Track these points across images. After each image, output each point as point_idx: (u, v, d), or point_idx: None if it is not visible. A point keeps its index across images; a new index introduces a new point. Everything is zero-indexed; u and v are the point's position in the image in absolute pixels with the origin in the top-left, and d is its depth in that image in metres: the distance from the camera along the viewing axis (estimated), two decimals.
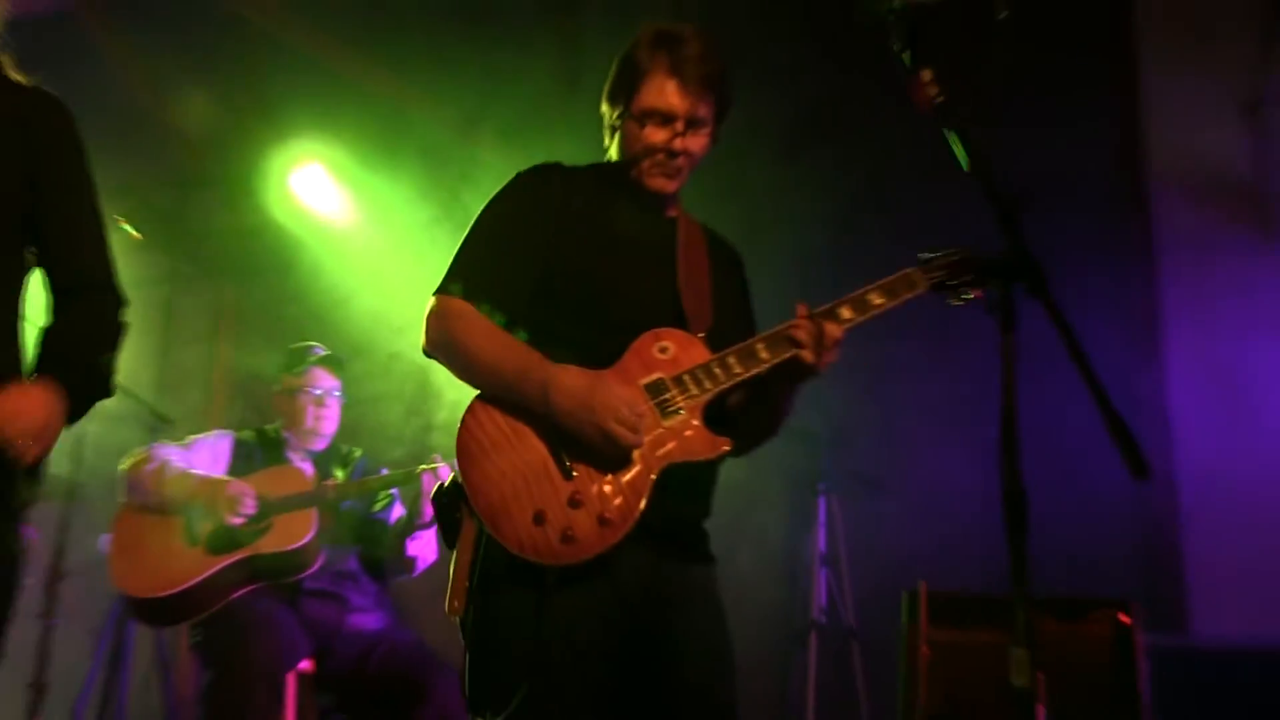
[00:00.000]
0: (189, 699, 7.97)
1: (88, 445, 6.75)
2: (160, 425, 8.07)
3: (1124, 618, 5.44)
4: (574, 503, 3.20)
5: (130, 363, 8.40)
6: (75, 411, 3.39)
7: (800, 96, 7.47)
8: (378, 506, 6.13)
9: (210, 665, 5.55)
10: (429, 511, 5.74)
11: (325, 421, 6.18)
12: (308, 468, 6.04)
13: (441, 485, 3.40)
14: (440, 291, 3.47)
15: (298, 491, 5.77)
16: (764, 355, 3.39)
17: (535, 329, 3.41)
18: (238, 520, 5.55)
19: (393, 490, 6.14)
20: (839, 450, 7.04)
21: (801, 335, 3.36)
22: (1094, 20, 7.52)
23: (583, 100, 7.95)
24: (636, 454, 3.27)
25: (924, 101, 2.99)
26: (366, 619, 5.86)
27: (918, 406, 7.04)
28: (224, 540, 5.58)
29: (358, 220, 8.25)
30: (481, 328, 3.39)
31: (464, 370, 3.41)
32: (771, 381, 3.49)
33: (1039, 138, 6.94)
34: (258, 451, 6.06)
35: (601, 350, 3.39)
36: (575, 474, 3.24)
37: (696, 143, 3.56)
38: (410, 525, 5.90)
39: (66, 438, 6.68)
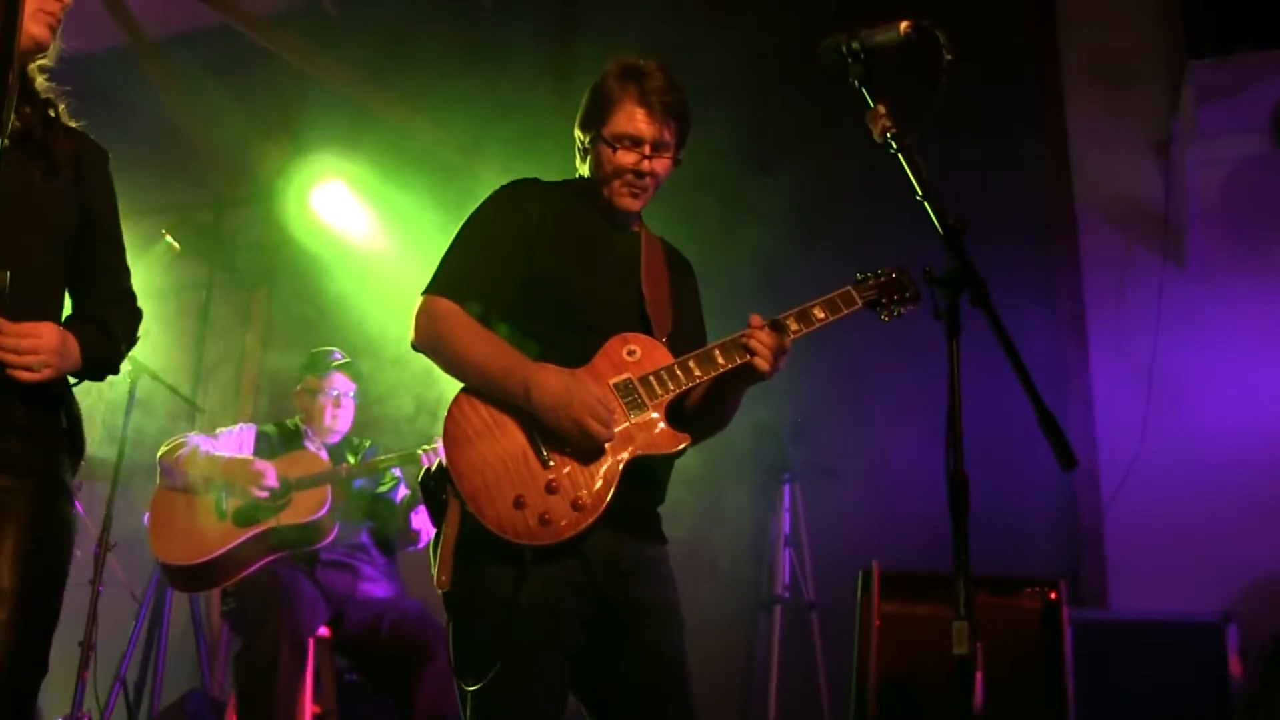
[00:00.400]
0: (220, 657, 7.97)
1: (131, 432, 6.73)
2: (194, 414, 8.08)
3: (1052, 594, 5.46)
4: (550, 489, 3.22)
5: (168, 359, 8.45)
6: (85, 364, 3.34)
7: (753, 122, 7.48)
8: (384, 487, 6.17)
9: (240, 630, 5.62)
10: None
11: (341, 419, 6.25)
12: (323, 455, 6.08)
13: (428, 469, 3.38)
14: (428, 291, 3.47)
15: (314, 472, 5.84)
16: (720, 360, 3.43)
17: (512, 328, 3.42)
18: (262, 494, 5.65)
19: (397, 472, 6.19)
20: (802, 443, 7.05)
21: (755, 344, 3.40)
22: (1026, 68, 7.55)
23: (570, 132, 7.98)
24: (607, 446, 3.29)
25: (879, 132, 2.99)
26: (376, 587, 5.91)
27: (873, 403, 7.04)
28: (248, 515, 5.68)
29: (373, 233, 8.21)
30: (467, 327, 3.39)
31: (450, 365, 3.41)
32: (723, 384, 3.53)
33: (980, 170, 6.98)
34: (278, 442, 6.13)
35: (573, 350, 3.41)
36: (552, 463, 3.25)
37: (661, 165, 3.58)
38: (414, 500, 5.99)
39: (111, 427, 6.70)
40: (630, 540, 3.41)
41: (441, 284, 3.47)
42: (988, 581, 5.50)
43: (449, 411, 3.34)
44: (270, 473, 5.70)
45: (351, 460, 6.14)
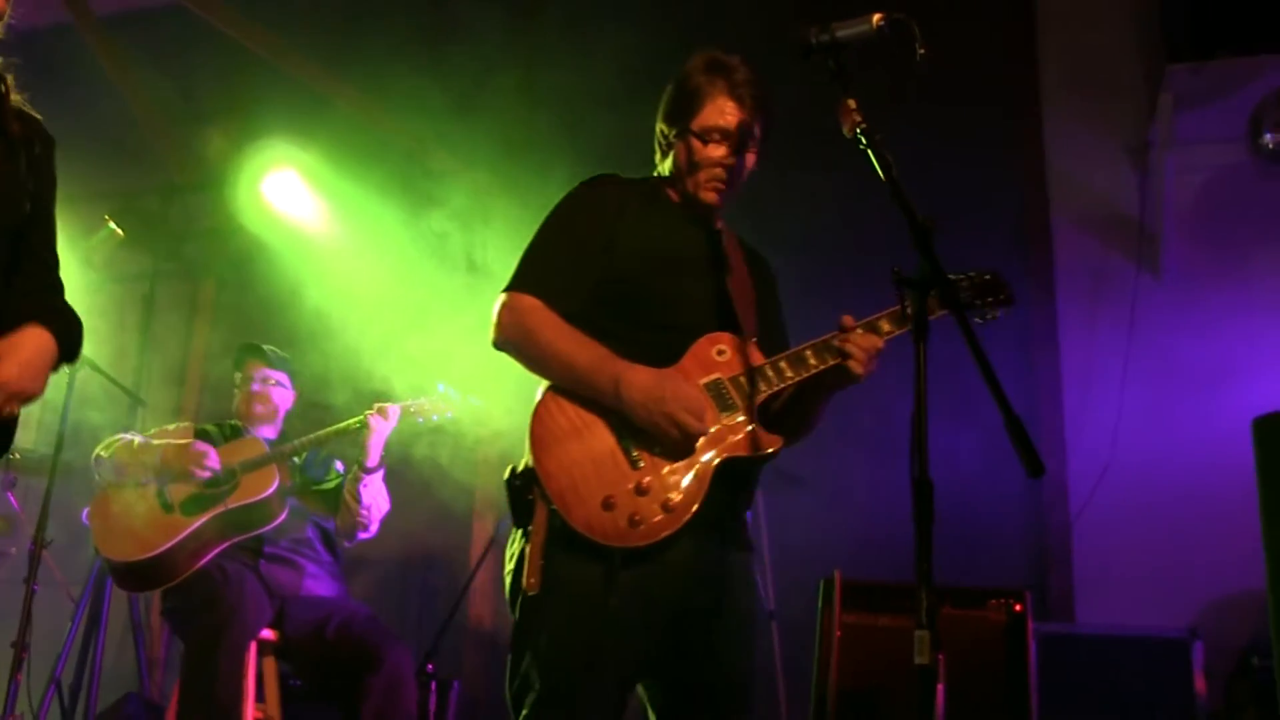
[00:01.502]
0: (160, 660, 7.93)
1: (69, 426, 6.69)
2: (136, 408, 8.01)
3: (1017, 606, 5.49)
4: (640, 490, 3.22)
5: (109, 350, 8.39)
6: (62, 358, 3.31)
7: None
8: (330, 484, 6.16)
9: (181, 631, 5.59)
10: (376, 454, 5.88)
11: (270, 407, 6.26)
12: (264, 444, 6.08)
13: (514, 469, 3.39)
14: (511, 288, 3.49)
15: (259, 454, 5.89)
16: (813, 362, 3.44)
17: (596, 329, 3.42)
18: (204, 474, 5.67)
19: (340, 468, 6.25)
20: None
21: (851, 347, 3.39)
22: (1002, 68, 7.58)
23: (540, 116, 7.94)
24: (699, 446, 3.30)
25: (849, 127, 3.01)
26: (321, 585, 5.91)
27: (837, 409, 7.02)
28: (196, 502, 5.68)
29: (326, 223, 8.17)
30: (553, 323, 3.40)
31: (536, 362, 3.43)
32: (812, 389, 3.54)
33: (953, 172, 6.99)
34: (218, 439, 6.10)
35: (658, 349, 3.42)
36: (642, 464, 3.26)
37: (749, 160, 3.62)
38: (360, 470, 5.91)
39: (50, 419, 6.65)
40: (717, 547, 3.42)
41: (525, 280, 3.49)
42: (951, 592, 5.52)
43: (535, 412, 3.36)
44: (211, 453, 5.72)
45: (295, 459, 6.14)
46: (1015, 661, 5.41)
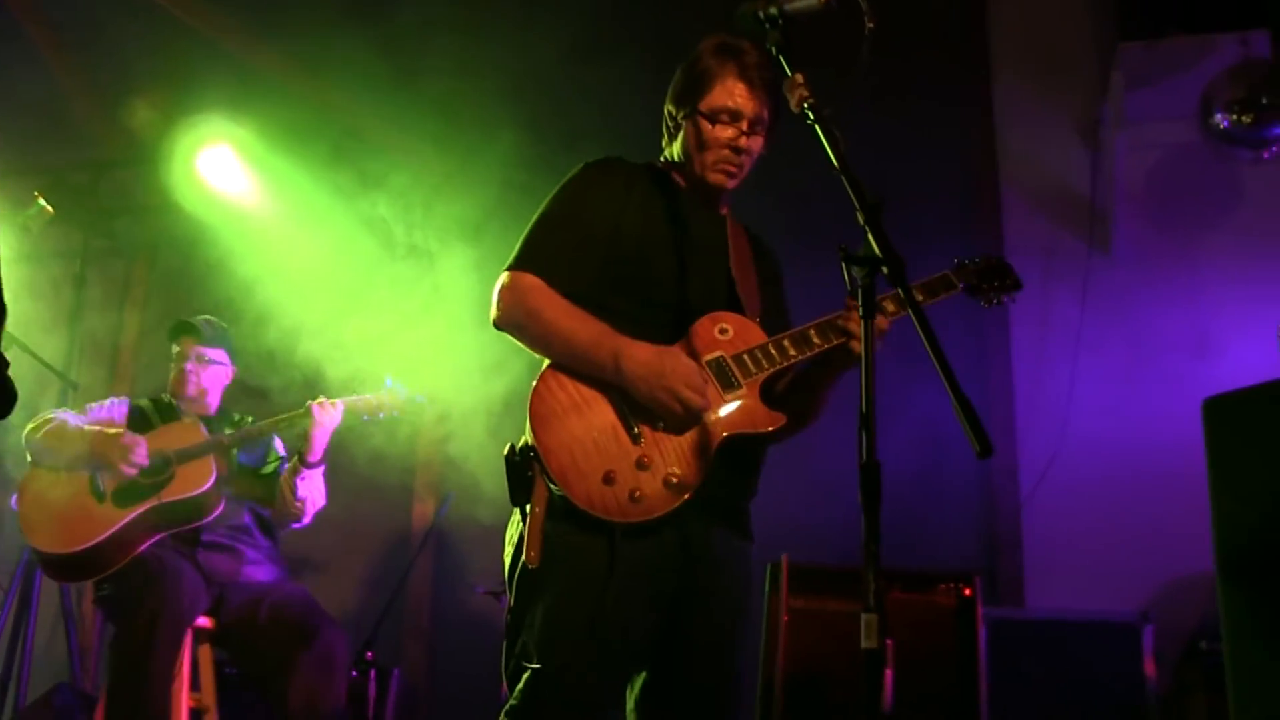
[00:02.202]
0: (92, 649, 7.86)
1: None
2: (67, 390, 7.93)
3: (967, 590, 5.52)
4: (642, 465, 3.26)
5: (39, 330, 8.30)
6: None
7: None
8: (269, 468, 6.09)
9: (115, 618, 5.50)
10: (319, 449, 5.81)
11: (204, 385, 6.10)
12: (200, 427, 5.95)
13: (513, 446, 3.38)
14: (513, 267, 3.50)
15: (194, 443, 5.77)
16: (816, 340, 3.47)
17: (599, 308, 3.44)
18: (131, 470, 5.55)
19: (281, 450, 6.18)
20: None
21: (853, 326, 3.41)
22: (953, 44, 7.59)
23: (484, 90, 7.90)
24: (701, 422, 3.32)
25: (796, 102, 3.00)
26: (259, 570, 5.84)
27: None
28: (130, 493, 5.57)
29: (262, 200, 8.11)
30: (554, 301, 3.42)
31: (537, 340, 3.45)
32: (817, 372, 3.59)
33: (902, 149, 7.01)
34: (154, 416, 6.01)
35: (662, 329, 3.45)
36: (643, 439, 3.30)
37: (757, 143, 3.64)
38: (300, 463, 5.85)
39: None
40: (717, 529, 3.46)
41: (526, 259, 3.50)
42: (900, 576, 5.55)
43: (535, 388, 3.37)
44: (141, 447, 5.59)
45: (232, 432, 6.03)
46: (964, 646, 5.44)
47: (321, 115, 8.31)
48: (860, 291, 2.72)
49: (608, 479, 3.22)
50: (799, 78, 3.05)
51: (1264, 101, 6.27)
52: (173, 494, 5.59)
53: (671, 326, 3.46)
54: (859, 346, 3.31)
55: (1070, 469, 6.78)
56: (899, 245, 2.73)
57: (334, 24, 8.02)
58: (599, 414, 3.32)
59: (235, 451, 5.97)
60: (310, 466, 5.82)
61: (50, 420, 5.79)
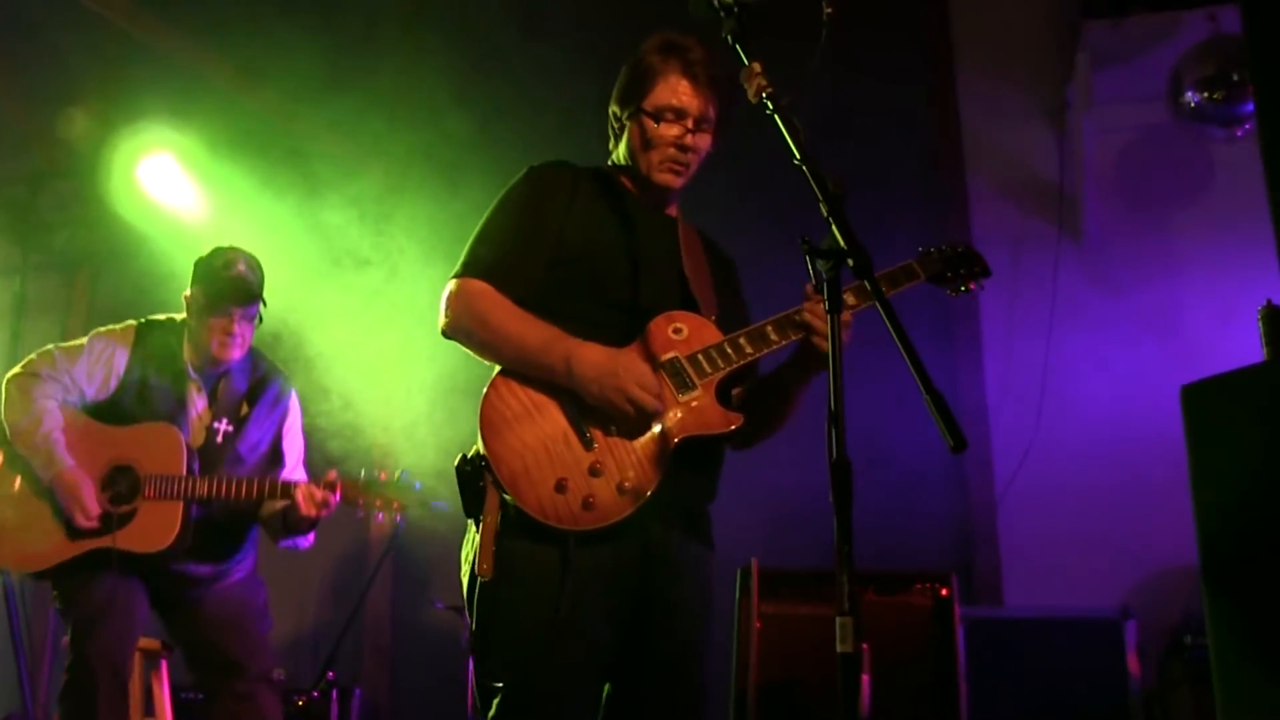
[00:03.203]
0: (43, 677, 7.81)
1: None
2: None
3: (943, 590, 5.51)
4: (594, 471, 3.22)
5: None
6: None
7: None
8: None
9: (67, 633, 5.28)
10: (310, 537, 5.42)
11: (233, 349, 5.39)
12: (200, 404, 5.43)
13: (464, 455, 3.35)
14: (460, 275, 3.48)
15: (170, 473, 5.21)
16: (774, 337, 3.43)
17: (550, 313, 3.41)
18: (81, 524, 5.11)
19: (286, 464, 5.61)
20: None
21: (811, 318, 3.38)
22: (912, 27, 7.60)
23: (420, 96, 7.86)
24: (655, 425, 3.29)
25: (754, 92, 2.98)
26: (229, 576, 5.49)
27: None
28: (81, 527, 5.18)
29: (205, 209, 8.06)
30: (503, 305, 3.40)
31: (486, 346, 3.43)
32: (785, 372, 3.56)
33: (863, 136, 7.01)
34: (154, 373, 5.38)
35: (615, 331, 3.41)
36: (595, 444, 3.26)
37: (704, 140, 3.60)
38: (285, 535, 5.43)
39: None
40: (676, 534, 3.43)
41: (473, 266, 3.48)
42: (875, 578, 5.55)
43: (485, 395, 3.34)
44: (91, 505, 5.12)
45: (245, 410, 5.49)
46: (942, 647, 5.44)
47: (264, 119, 8.27)
48: (825, 285, 2.70)
49: (560, 486, 3.20)
50: (756, 67, 3.02)
51: (1235, 78, 6.30)
52: (129, 541, 5.12)
53: (625, 328, 3.43)
54: (819, 340, 3.35)
55: (1045, 462, 6.80)
56: (862, 237, 2.72)
57: (273, 23, 7.99)
58: (550, 420, 3.29)
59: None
60: (297, 537, 5.42)
61: (35, 380, 5.33)
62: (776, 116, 2.94)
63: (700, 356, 3.40)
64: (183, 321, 5.51)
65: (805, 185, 2.81)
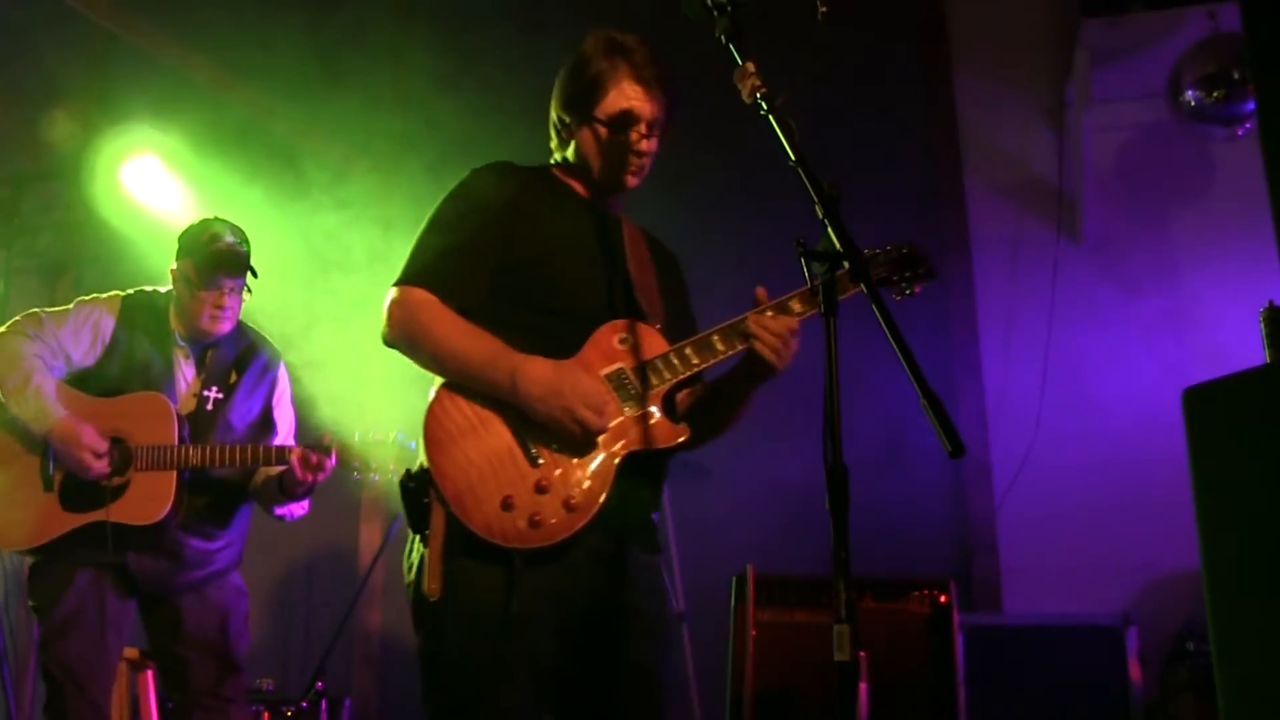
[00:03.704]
0: (28, 688, 7.79)
1: None
2: None
3: (942, 597, 5.51)
4: (540, 489, 3.23)
5: None
6: None
7: None
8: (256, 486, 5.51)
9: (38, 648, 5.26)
10: (305, 504, 5.42)
11: (223, 322, 5.38)
12: (189, 372, 5.38)
13: (409, 471, 3.37)
14: (401, 282, 3.46)
15: (162, 443, 5.15)
16: (720, 347, 3.42)
17: (493, 320, 3.41)
18: (87, 476, 5.03)
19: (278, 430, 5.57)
20: None
21: (754, 326, 3.38)
22: (909, 25, 7.60)
23: (413, 101, 7.86)
24: (600, 441, 3.30)
25: (748, 92, 2.98)
26: (214, 562, 5.46)
27: None
28: (77, 496, 5.11)
29: (191, 212, 8.02)
30: (446, 317, 3.39)
31: (429, 358, 3.41)
32: (732, 381, 3.55)
33: (859, 136, 7.00)
34: (144, 342, 5.34)
35: (558, 337, 3.40)
36: (541, 461, 3.26)
37: (656, 143, 3.63)
38: (281, 498, 5.35)
39: None
40: (623, 546, 3.42)
41: (415, 274, 3.47)
42: (872, 585, 5.55)
43: (429, 409, 3.34)
44: (98, 443, 5.03)
45: (234, 378, 5.43)
46: (941, 655, 5.45)
47: (251, 118, 8.25)
48: (821, 288, 2.70)
49: (506, 504, 3.20)
50: (750, 66, 3.03)
51: (1235, 76, 6.30)
52: (123, 514, 5.06)
53: (570, 335, 3.42)
54: (763, 349, 3.36)
55: (1045, 466, 6.79)
56: (858, 238, 2.72)
57: (258, 20, 7.98)
58: (496, 436, 3.29)
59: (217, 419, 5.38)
60: (295, 500, 5.37)
61: (22, 338, 5.22)
62: (770, 117, 2.94)
63: (646, 367, 3.41)
64: (168, 293, 5.48)
65: (800, 186, 2.81)
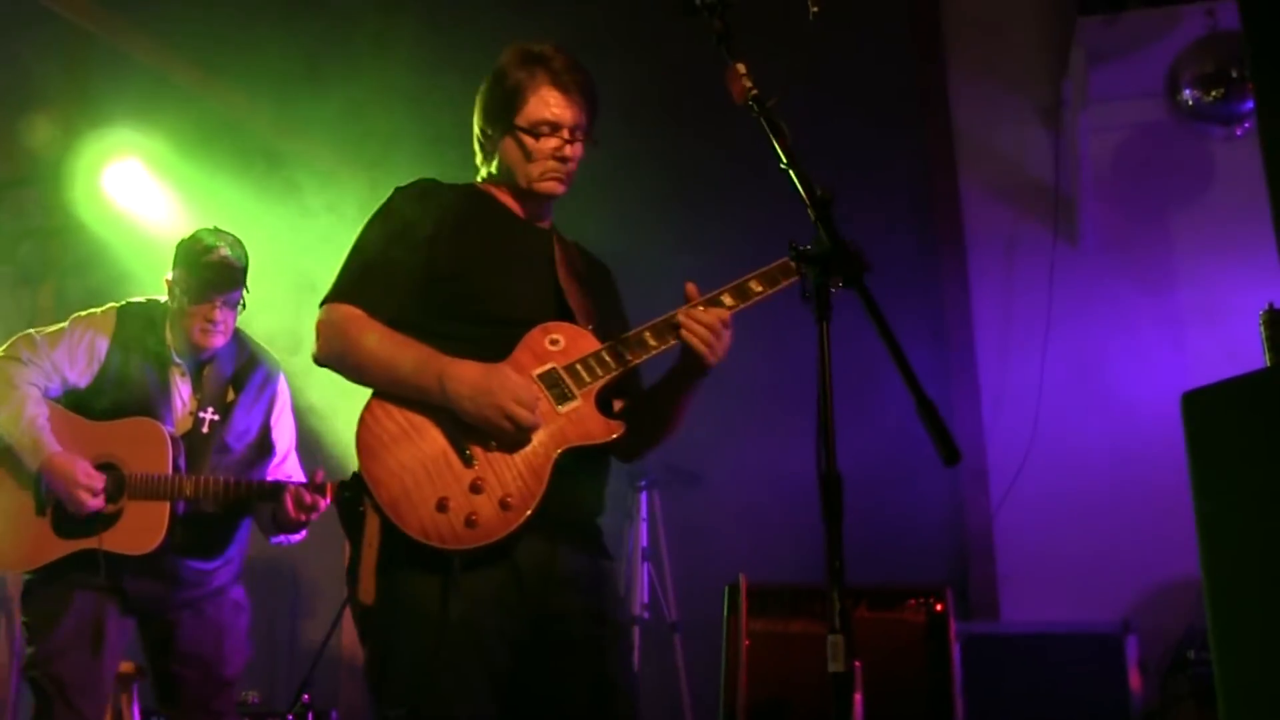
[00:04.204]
0: (9, 701, 7.77)
1: None
2: None
3: (938, 605, 5.51)
4: (475, 488, 3.25)
5: None
6: None
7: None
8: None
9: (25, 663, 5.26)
10: (300, 532, 5.36)
11: (215, 337, 5.34)
12: (185, 391, 5.34)
13: (344, 480, 3.42)
14: (328, 300, 3.51)
15: (156, 473, 5.12)
16: (652, 343, 3.46)
17: (424, 332, 3.43)
18: (80, 511, 5.00)
19: (277, 451, 5.55)
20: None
21: (684, 319, 3.41)
22: (902, 24, 7.60)
23: (397, 101, 7.86)
24: (535, 438, 3.32)
25: (739, 94, 2.99)
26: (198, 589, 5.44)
27: (739, 398, 7.01)
28: (71, 522, 5.08)
29: (174, 217, 8.02)
30: (374, 329, 3.42)
31: (359, 371, 3.44)
32: (668, 381, 3.57)
33: (852, 137, 6.99)
34: (139, 359, 5.30)
35: (492, 347, 3.42)
36: (475, 461, 3.28)
37: (579, 149, 3.67)
38: (276, 530, 5.35)
39: None
40: (567, 549, 3.43)
41: (341, 291, 3.51)
42: (867, 593, 5.54)
43: (361, 419, 3.36)
44: (95, 480, 5.02)
45: (231, 395, 5.40)
46: (937, 665, 5.44)
47: (234, 120, 8.25)
48: (815, 291, 2.70)
49: (441, 506, 3.22)
50: (741, 68, 3.04)
51: (1234, 75, 6.31)
52: (115, 543, 5.04)
53: (503, 343, 3.46)
54: (696, 344, 3.38)
55: (1042, 472, 6.80)
56: (851, 239, 2.72)
57: (241, 21, 7.98)
58: (429, 440, 3.32)
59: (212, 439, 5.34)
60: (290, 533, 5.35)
61: (16, 365, 5.20)
62: (762, 119, 2.95)
63: (578, 366, 3.45)
64: (165, 304, 5.45)
65: (792, 189, 2.81)
